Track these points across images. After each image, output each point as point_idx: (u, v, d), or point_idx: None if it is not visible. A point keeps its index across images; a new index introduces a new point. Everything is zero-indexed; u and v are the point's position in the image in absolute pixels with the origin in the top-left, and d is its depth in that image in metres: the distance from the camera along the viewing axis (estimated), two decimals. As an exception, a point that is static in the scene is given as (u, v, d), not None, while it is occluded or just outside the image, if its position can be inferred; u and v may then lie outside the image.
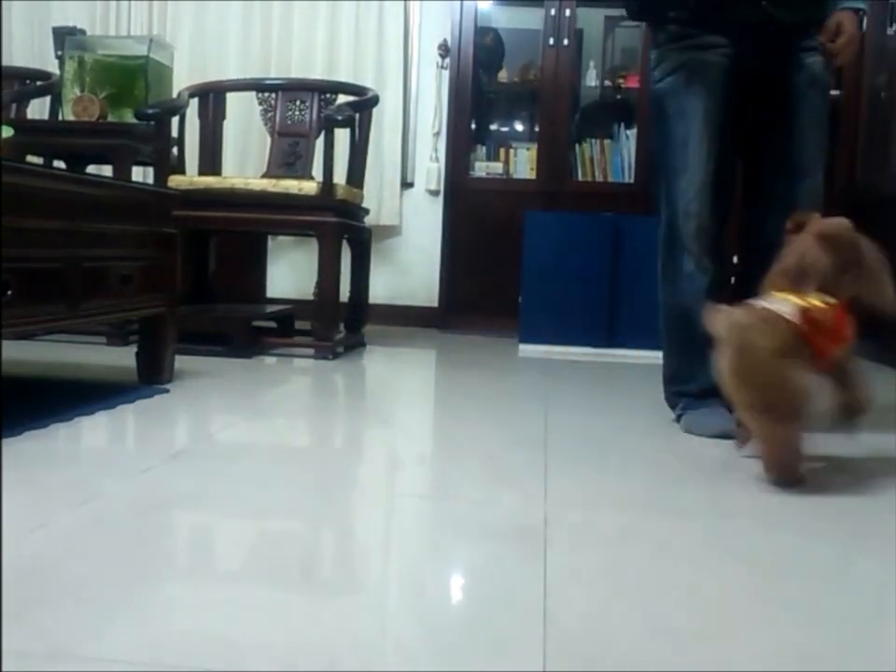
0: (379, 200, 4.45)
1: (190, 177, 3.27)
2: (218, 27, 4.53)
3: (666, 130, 2.14)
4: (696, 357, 2.14)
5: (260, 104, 3.65)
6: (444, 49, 4.47)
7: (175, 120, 3.39)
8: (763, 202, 2.14)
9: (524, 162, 4.41)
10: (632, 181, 4.28)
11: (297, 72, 4.41)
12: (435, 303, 4.47)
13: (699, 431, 2.07)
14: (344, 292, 3.41)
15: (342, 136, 3.66)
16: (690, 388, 2.17)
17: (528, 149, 4.40)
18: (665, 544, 1.32)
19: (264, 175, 3.45)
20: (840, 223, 1.81)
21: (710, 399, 2.11)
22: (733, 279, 2.24)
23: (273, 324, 3.58)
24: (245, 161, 4.49)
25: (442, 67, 4.50)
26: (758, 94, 2.10)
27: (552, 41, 4.27)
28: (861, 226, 1.92)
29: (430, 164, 4.56)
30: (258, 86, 3.71)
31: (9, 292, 1.71)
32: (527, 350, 3.71)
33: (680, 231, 2.12)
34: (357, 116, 3.42)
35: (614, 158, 4.33)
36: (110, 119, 3.47)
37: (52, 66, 3.96)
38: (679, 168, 2.11)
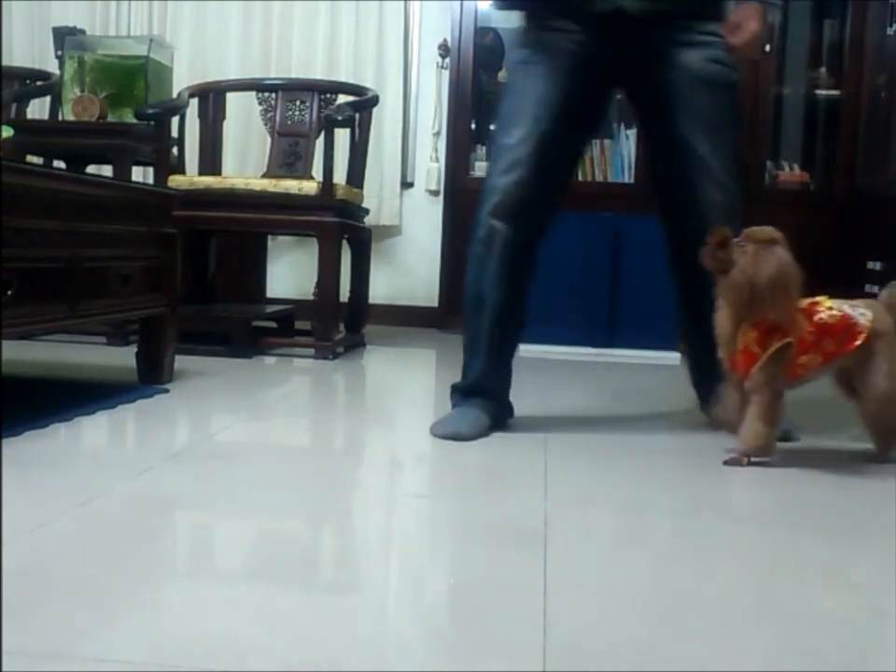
0: (379, 200, 4.44)
1: (190, 177, 3.27)
2: (218, 27, 4.53)
3: (500, 104, 2.04)
4: (476, 347, 2.04)
5: (260, 104, 3.64)
6: (444, 49, 4.46)
7: (175, 120, 3.39)
8: (675, 211, 2.03)
9: (524, 162, 4.40)
10: (632, 181, 4.27)
11: (297, 72, 4.41)
12: (435, 303, 4.47)
13: (434, 431, 1.95)
14: (344, 292, 3.41)
15: (342, 136, 3.66)
16: (460, 384, 2.07)
17: (528, 149, 4.39)
18: (665, 544, 1.32)
19: (264, 175, 3.45)
20: (772, 230, 1.77)
21: (473, 398, 2.02)
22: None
23: (273, 324, 3.58)
24: (245, 161, 4.48)
25: (442, 67, 4.49)
26: (637, 95, 2.00)
27: (552, 41, 4.26)
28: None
29: (430, 164, 4.56)
30: (258, 86, 3.71)
31: (10, 292, 1.71)
32: (527, 350, 3.70)
33: (482, 208, 1.98)
34: (357, 116, 3.42)
35: (614, 158, 4.33)
36: (110, 118, 3.47)
37: (52, 66, 3.96)
38: (498, 145, 2.00)
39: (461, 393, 2.06)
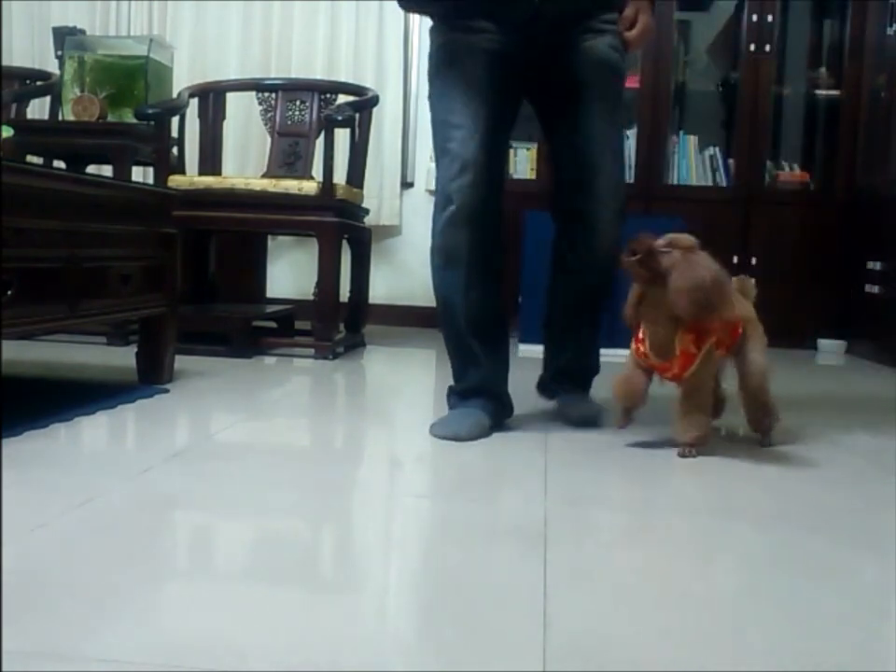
0: (379, 200, 4.45)
1: (190, 177, 3.27)
2: (218, 27, 4.53)
3: (433, 110, 2.03)
4: (462, 353, 2.05)
5: (260, 104, 3.65)
6: (444, 49, 4.46)
7: (175, 120, 3.39)
8: (567, 196, 2.08)
9: (524, 162, 4.40)
10: (632, 181, 4.27)
11: (297, 72, 4.41)
12: (435, 303, 4.46)
13: (433, 432, 1.95)
14: (344, 292, 3.41)
15: (342, 136, 3.67)
16: (457, 387, 2.07)
17: (528, 149, 4.40)
18: (665, 543, 1.32)
19: (264, 175, 3.45)
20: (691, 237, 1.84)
21: (472, 400, 2.02)
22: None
23: (273, 324, 3.58)
24: (245, 161, 4.49)
25: (442, 67, 4.49)
26: (541, 85, 2.02)
27: (551, 41, 4.26)
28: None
29: (430, 164, 4.56)
30: (258, 86, 3.71)
31: (10, 292, 1.71)
32: (527, 350, 3.70)
33: (441, 214, 1.97)
34: (357, 116, 3.42)
35: (614, 158, 4.33)
36: (110, 118, 3.47)
37: (52, 66, 3.96)
38: (442, 150, 1.99)
39: (458, 395, 2.06)
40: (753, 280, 2.08)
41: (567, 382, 2.24)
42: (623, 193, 2.07)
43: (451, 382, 2.10)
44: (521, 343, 3.78)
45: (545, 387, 2.30)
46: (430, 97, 2.04)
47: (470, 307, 2.01)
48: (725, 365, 2.01)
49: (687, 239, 1.81)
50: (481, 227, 1.95)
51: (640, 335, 1.91)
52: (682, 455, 1.84)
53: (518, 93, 2.04)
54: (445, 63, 1.98)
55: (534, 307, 3.79)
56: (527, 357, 3.58)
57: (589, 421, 2.12)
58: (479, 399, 2.02)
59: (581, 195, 2.04)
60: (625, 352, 2.06)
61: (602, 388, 2.22)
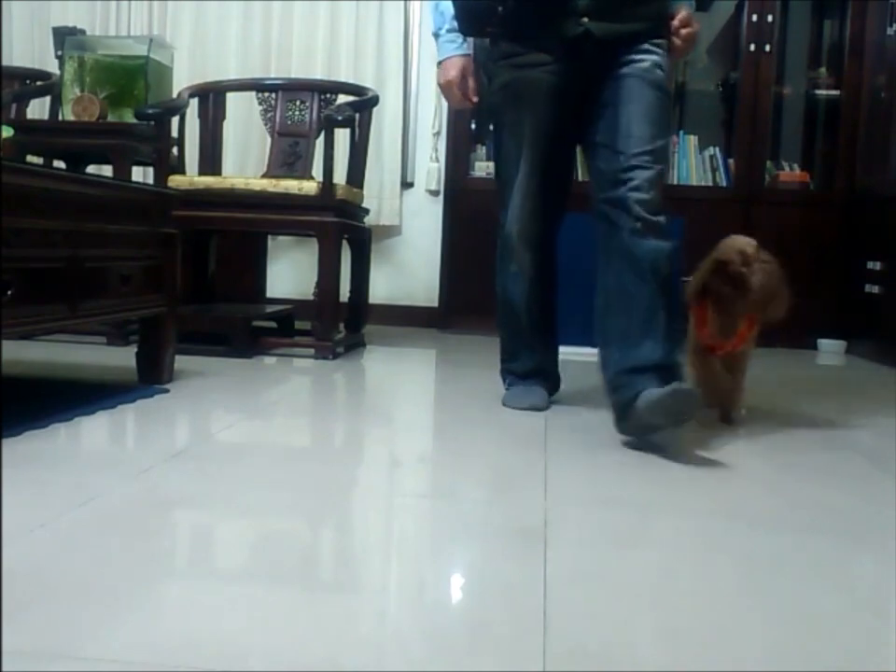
0: (379, 200, 4.44)
1: (190, 177, 3.27)
2: (218, 27, 4.53)
3: (498, 142, 2.27)
4: (520, 343, 2.39)
5: (260, 104, 3.64)
6: (444, 49, 4.46)
7: (175, 120, 3.39)
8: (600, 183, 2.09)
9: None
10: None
11: (297, 72, 4.41)
12: (435, 303, 4.47)
13: (512, 405, 2.30)
14: (344, 292, 3.41)
15: (342, 136, 3.67)
16: (514, 367, 2.40)
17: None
18: (665, 544, 1.32)
19: (264, 175, 3.45)
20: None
21: (531, 380, 2.37)
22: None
23: (272, 324, 3.58)
24: (245, 161, 4.49)
25: (442, 67, 4.49)
26: (586, 99, 2.13)
27: (552, 41, 4.26)
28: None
29: (430, 164, 4.56)
30: (258, 86, 3.71)
31: (10, 292, 1.71)
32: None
33: (507, 235, 2.26)
34: (357, 116, 3.42)
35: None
36: (110, 118, 3.47)
37: (52, 66, 3.96)
38: (507, 179, 2.23)
39: (517, 376, 2.37)
40: None
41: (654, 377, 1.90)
42: (661, 160, 2.03)
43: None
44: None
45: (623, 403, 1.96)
46: (496, 130, 2.26)
47: (529, 307, 2.32)
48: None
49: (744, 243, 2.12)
50: (539, 246, 2.26)
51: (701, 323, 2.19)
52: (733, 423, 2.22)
53: (578, 109, 2.15)
54: (509, 98, 2.19)
55: (564, 308, 3.79)
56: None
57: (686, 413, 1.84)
58: (535, 379, 2.36)
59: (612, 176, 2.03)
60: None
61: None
